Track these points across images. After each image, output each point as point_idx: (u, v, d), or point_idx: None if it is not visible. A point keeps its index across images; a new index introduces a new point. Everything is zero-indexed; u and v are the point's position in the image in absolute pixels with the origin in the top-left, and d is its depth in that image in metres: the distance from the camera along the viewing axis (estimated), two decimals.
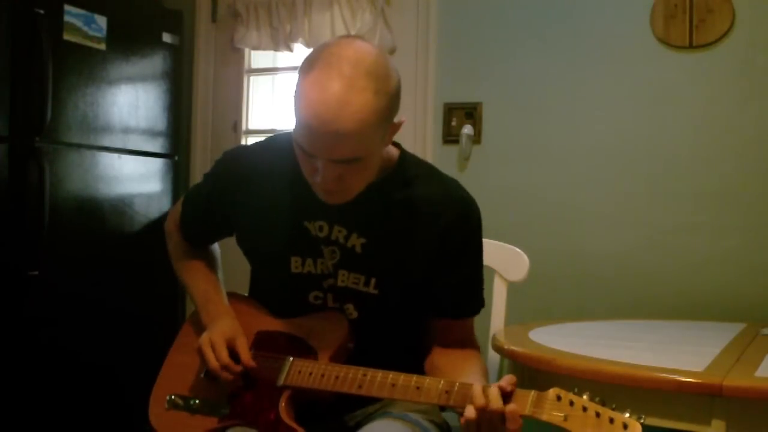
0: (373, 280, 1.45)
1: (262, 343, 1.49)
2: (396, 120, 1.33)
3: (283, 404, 1.39)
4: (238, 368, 1.43)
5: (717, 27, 2.67)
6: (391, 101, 1.28)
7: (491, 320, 1.92)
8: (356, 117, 1.22)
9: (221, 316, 1.51)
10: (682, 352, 1.79)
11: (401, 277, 1.45)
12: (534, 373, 1.68)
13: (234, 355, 1.44)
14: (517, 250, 1.93)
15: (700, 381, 1.42)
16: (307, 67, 1.27)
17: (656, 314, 2.60)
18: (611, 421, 1.11)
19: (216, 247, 1.71)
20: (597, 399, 1.14)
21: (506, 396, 1.19)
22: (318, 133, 1.23)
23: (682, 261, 2.70)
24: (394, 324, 1.50)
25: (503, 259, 1.92)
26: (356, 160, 1.28)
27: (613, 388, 1.49)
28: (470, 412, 1.20)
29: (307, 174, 1.34)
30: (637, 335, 2.06)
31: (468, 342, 1.52)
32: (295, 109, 1.27)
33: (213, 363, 1.42)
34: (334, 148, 1.25)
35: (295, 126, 1.28)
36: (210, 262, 1.66)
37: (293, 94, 1.29)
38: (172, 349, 1.62)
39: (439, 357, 1.48)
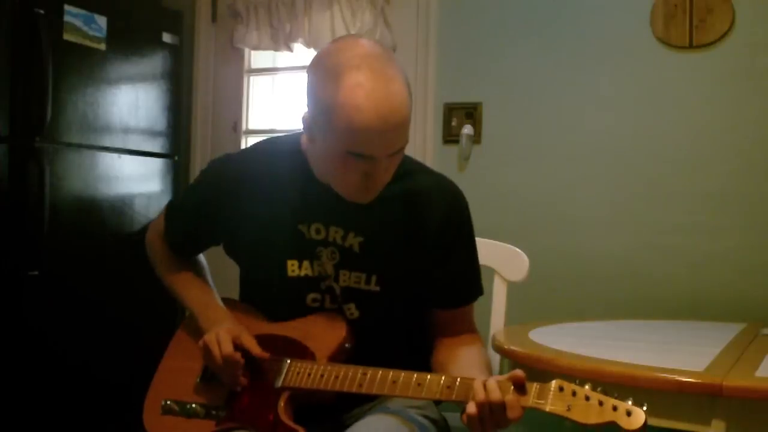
0: (374, 277, 1.46)
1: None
2: None
3: (282, 404, 1.38)
4: (243, 361, 1.42)
5: (717, 27, 2.67)
6: (407, 77, 1.33)
7: (491, 320, 1.92)
8: (404, 103, 1.28)
9: (223, 320, 1.51)
10: (682, 352, 1.79)
11: (401, 271, 1.46)
12: (534, 373, 1.67)
13: (240, 351, 1.44)
14: (517, 250, 1.93)
15: (700, 381, 1.42)
16: (332, 78, 1.27)
17: (656, 314, 2.59)
18: (614, 408, 1.12)
19: (201, 255, 1.70)
20: (599, 389, 1.15)
21: (519, 387, 1.20)
22: (380, 133, 1.26)
23: (682, 261, 2.70)
24: (395, 321, 1.51)
25: (503, 259, 1.92)
26: (405, 145, 1.34)
27: (613, 388, 1.48)
28: (471, 407, 1.21)
29: (348, 184, 1.35)
30: (637, 335, 2.06)
31: (469, 332, 1.54)
32: (338, 120, 1.26)
33: (219, 358, 1.42)
34: (395, 140, 1.30)
35: (344, 136, 1.27)
36: (199, 269, 1.66)
37: (321, 109, 1.29)
38: (166, 355, 1.62)
39: (443, 352, 1.49)
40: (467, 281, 1.53)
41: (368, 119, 1.24)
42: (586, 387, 1.15)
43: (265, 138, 1.60)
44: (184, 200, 1.64)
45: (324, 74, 1.29)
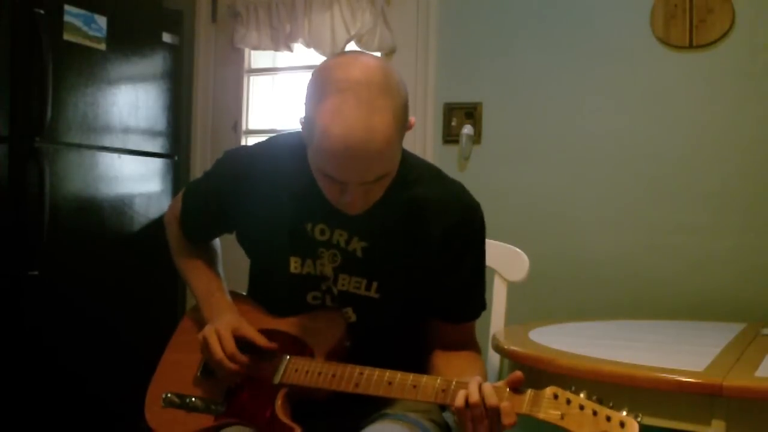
0: (374, 284, 1.45)
1: None
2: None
3: (280, 402, 1.39)
4: (245, 358, 1.42)
5: (717, 27, 2.67)
6: (405, 109, 1.29)
7: (491, 320, 1.93)
8: (383, 138, 1.23)
9: (225, 311, 1.51)
10: (682, 352, 1.80)
11: (403, 280, 1.45)
12: (534, 373, 1.68)
13: (241, 345, 1.44)
14: (517, 250, 1.93)
15: (700, 381, 1.42)
16: (319, 95, 1.25)
17: (656, 314, 2.59)
18: (608, 419, 1.11)
19: (217, 240, 1.71)
20: (594, 397, 1.14)
21: (515, 389, 1.19)
22: (349, 163, 1.23)
23: (682, 261, 2.70)
24: (392, 327, 1.50)
25: (503, 259, 1.92)
26: (386, 175, 1.29)
27: (613, 388, 1.49)
28: (459, 401, 1.20)
29: (330, 194, 1.33)
30: (637, 335, 2.06)
31: (468, 344, 1.52)
32: (315, 138, 1.25)
33: (219, 353, 1.41)
34: (367, 171, 1.26)
35: (317, 155, 1.27)
36: (211, 256, 1.66)
37: (306, 121, 1.28)
38: (169, 347, 1.62)
39: (439, 359, 1.48)
40: (467, 299, 1.50)
41: (337, 148, 1.22)
42: (581, 395, 1.14)
43: (276, 134, 1.59)
44: (197, 188, 1.64)
45: (314, 89, 1.27)
